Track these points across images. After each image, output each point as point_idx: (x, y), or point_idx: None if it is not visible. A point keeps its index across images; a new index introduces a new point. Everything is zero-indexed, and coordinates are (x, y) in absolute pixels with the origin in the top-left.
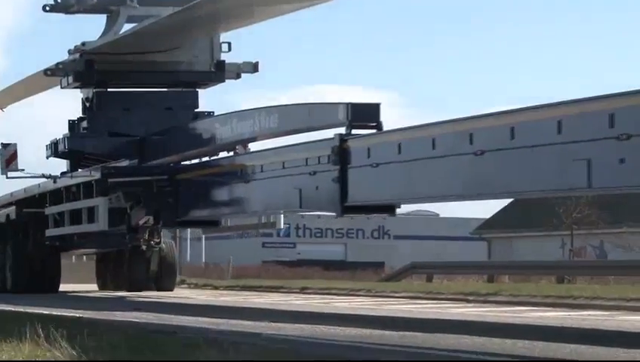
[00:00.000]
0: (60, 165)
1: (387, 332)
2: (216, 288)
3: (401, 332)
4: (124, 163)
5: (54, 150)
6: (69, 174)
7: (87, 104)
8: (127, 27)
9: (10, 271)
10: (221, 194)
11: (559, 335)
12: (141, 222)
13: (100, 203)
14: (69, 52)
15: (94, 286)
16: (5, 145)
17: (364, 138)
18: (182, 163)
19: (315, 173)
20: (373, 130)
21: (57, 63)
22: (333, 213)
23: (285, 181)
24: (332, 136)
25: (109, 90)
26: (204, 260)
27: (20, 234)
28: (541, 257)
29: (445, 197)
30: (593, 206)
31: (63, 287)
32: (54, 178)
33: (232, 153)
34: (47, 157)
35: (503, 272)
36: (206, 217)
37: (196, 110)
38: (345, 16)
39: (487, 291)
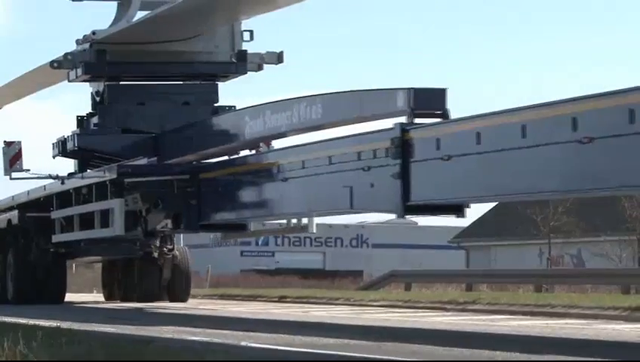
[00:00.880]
0: (66, 166)
1: (364, 342)
2: (194, 297)
3: (379, 342)
4: (142, 161)
5: (62, 149)
6: (80, 174)
7: (98, 98)
8: (140, 15)
9: (12, 281)
10: (250, 194)
11: (537, 344)
12: (159, 227)
13: (116, 205)
14: (78, 42)
15: (94, 296)
16: (9, 144)
17: (432, 127)
18: (204, 161)
19: (369, 168)
20: (438, 119)
21: (65, 54)
22: (393, 214)
23: (332, 178)
24: (391, 126)
25: (121, 82)
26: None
27: (23, 240)
28: (519, 266)
29: (537, 193)
30: (571, 214)
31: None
32: (62, 179)
33: (260, 149)
34: (54, 157)
35: (481, 281)
36: (232, 220)
37: (216, 104)
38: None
39: (465, 299)
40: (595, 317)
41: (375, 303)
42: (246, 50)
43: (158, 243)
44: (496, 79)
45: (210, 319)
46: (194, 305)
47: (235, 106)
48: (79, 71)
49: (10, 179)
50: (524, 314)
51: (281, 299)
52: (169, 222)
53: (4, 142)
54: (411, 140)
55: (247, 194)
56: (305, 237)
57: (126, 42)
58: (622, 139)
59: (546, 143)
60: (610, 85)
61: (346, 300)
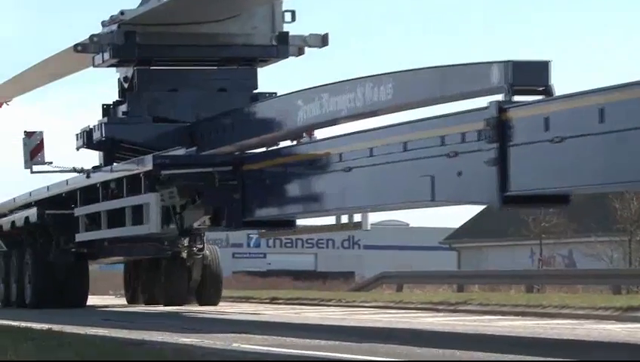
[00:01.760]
0: (88, 160)
1: (356, 344)
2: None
3: (371, 344)
4: (180, 151)
5: (87, 140)
6: (108, 167)
7: (126, 85)
8: None
9: (31, 283)
10: (302, 188)
11: (528, 345)
12: (196, 224)
13: (151, 200)
14: (104, 23)
15: (114, 300)
16: (29, 134)
17: (539, 105)
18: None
19: (456, 154)
20: (541, 96)
21: (91, 36)
22: (486, 205)
23: (408, 167)
24: (485, 105)
25: (152, 67)
26: None
27: (41, 239)
28: (510, 266)
29: None
30: (562, 215)
31: None
32: (87, 172)
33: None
34: (78, 148)
35: (472, 282)
36: (280, 216)
37: (255, 91)
38: None
39: (456, 300)
40: (587, 317)
41: (366, 304)
42: (287, 32)
43: (186, 242)
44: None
45: (202, 320)
46: (184, 307)
47: (276, 93)
48: (106, 55)
49: (32, 172)
50: (516, 314)
51: (273, 301)
52: (207, 218)
53: (25, 132)
54: (510, 121)
55: (297, 188)
56: (297, 239)
57: (157, 23)
58: None
59: None
60: None
61: (338, 301)
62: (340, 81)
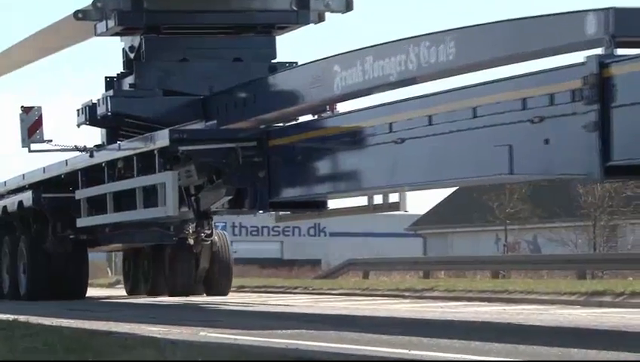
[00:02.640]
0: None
1: (322, 332)
2: None
3: (338, 331)
4: (199, 125)
5: (90, 115)
6: (115, 145)
7: (132, 55)
8: None
9: (25, 273)
10: (338, 164)
11: (494, 330)
12: (215, 206)
13: (168, 179)
14: None
15: (114, 291)
16: (27, 110)
17: None
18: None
19: (541, 119)
20: None
21: (94, 2)
22: (584, 177)
23: (477, 136)
24: (582, 61)
25: (161, 35)
26: None
27: (35, 225)
28: (476, 252)
29: None
30: (527, 201)
31: None
32: (91, 151)
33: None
34: (79, 125)
35: (438, 268)
36: (310, 197)
37: (273, 61)
38: None
39: (422, 287)
40: (552, 302)
41: (333, 291)
42: None
43: (193, 227)
44: None
45: (168, 308)
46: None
47: (296, 63)
48: (110, 22)
49: (29, 151)
50: (482, 300)
51: (240, 289)
52: (226, 200)
53: (22, 107)
54: (613, 78)
55: (333, 164)
56: (262, 227)
57: None
58: None
59: None
60: None
61: (304, 289)
62: (386, 42)
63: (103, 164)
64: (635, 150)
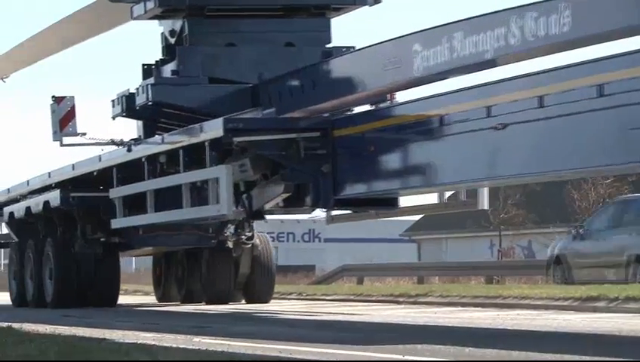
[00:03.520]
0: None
1: (316, 338)
2: (147, 294)
3: (332, 337)
4: (255, 114)
5: (127, 106)
6: (158, 137)
7: (173, 40)
8: None
9: (52, 279)
10: (418, 155)
11: (488, 336)
12: (270, 205)
13: (222, 174)
14: None
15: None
16: (59, 100)
17: None
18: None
19: None
20: None
21: None
22: None
23: (604, 118)
24: None
25: (205, 18)
26: (134, 266)
27: (62, 227)
28: (470, 258)
29: None
30: (520, 206)
31: None
32: (129, 145)
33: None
34: (114, 117)
35: (432, 273)
36: (381, 193)
37: (328, 45)
38: None
39: (417, 292)
40: (546, 307)
41: (327, 297)
42: None
43: (233, 229)
44: None
45: (163, 315)
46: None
47: (354, 47)
48: (149, 3)
49: (61, 145)
50: (476, 305)
51: None
52: (283, 198)
53: (53, 97)
54: None
55: (411, 156)
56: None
57: None
58: None
59: None
60: None
61: (299, 295)
62: (480, 15)
63: (143, 159)
64: None
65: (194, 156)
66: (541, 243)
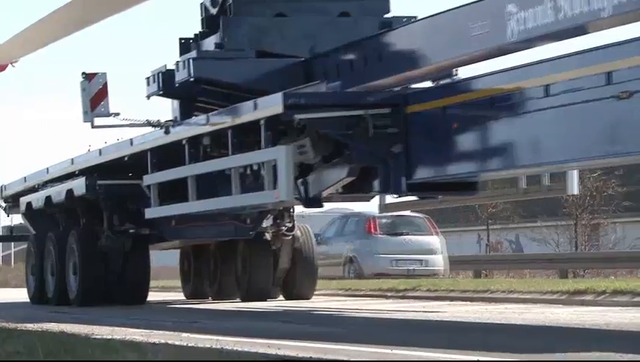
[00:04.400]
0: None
1: (305, 332)
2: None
3: (321, 332)
4: (317, 88)
5: (164, 84)
6: (201, 117)
7: (215, 10)
8: None
9: (76, 275)
10: (505, 133)
11: (476, 329)
12: (331, 190)
13: (281, 155)
14: None
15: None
16: (90, 76)
17: None
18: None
19: None
20: None
21: None
22: None
23: None
24: None
25: None
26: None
27: (86, 218)
28: (458, 252)
29: None
30: (508, 200)
31: None
32: (167, 126)
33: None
34: (149, 97)
35: None
36: (461, 176)
37: (386, 15)
38: None
39: (405, 287)
40: (534, 301)
41: (316, 292)
42: None
43: (271, 220)
44: None
45: (153, 310)
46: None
47: (416, 17)
48: None
49: (92, 127)
50: (464, 299)
51: None
52: (346, 182)
53: (83, 74)
54: None
55: (496, 134)
56: None
57: None
58: None
59: None
60: None
61: None
62: None
63: (184, 142)
64: None
65: (244, 137)
66: (529, 238)
